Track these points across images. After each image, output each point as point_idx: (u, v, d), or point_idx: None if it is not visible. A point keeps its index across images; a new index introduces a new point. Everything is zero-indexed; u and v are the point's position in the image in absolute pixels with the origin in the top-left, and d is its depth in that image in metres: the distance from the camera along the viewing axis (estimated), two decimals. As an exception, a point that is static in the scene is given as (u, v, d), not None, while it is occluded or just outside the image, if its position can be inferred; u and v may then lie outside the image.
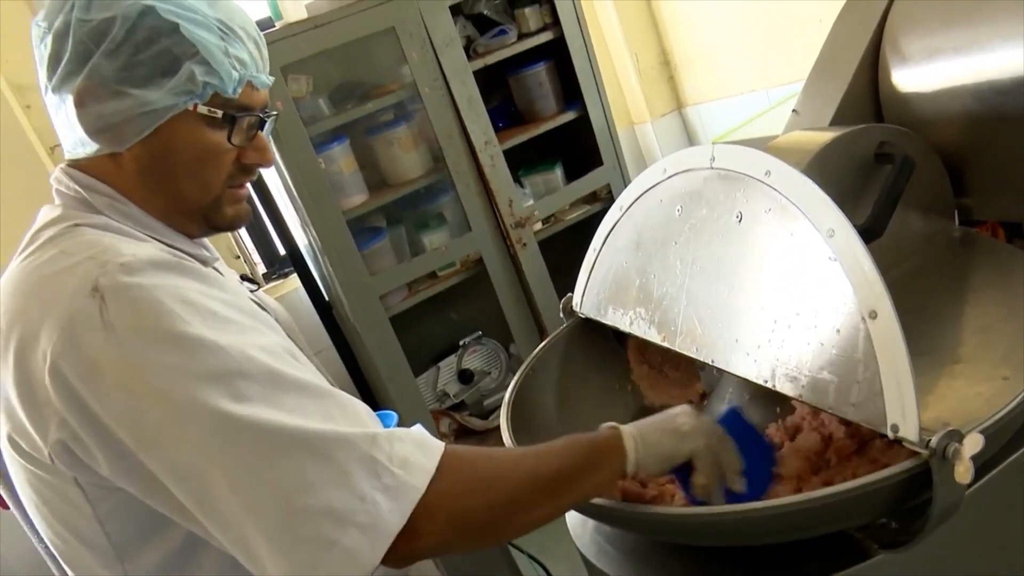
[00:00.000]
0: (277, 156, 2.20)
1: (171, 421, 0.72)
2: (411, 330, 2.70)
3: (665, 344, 1.03)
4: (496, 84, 2.79)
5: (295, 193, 2.37)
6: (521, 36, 2.67)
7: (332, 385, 0.92)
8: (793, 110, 1.31)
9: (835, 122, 1.23)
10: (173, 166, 0.86)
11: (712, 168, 0.98)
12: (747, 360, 0.90)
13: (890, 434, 0.74)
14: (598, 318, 1.18)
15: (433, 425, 2.71)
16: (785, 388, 0.85)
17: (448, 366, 2.92)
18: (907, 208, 1.07)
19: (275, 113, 0.92)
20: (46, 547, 1.58)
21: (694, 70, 3.22)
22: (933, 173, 1.13)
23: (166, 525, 0.81)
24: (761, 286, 0.90)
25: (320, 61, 2.35)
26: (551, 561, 1.98)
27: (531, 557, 1.93)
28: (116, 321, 0.73)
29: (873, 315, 0.77)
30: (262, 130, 0.91)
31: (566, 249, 2.74)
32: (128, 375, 0.73)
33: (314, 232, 2.40)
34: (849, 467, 0.87)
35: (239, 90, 0.85)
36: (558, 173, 2.85)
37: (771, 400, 1.01)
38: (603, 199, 2.87)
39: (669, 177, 1.06)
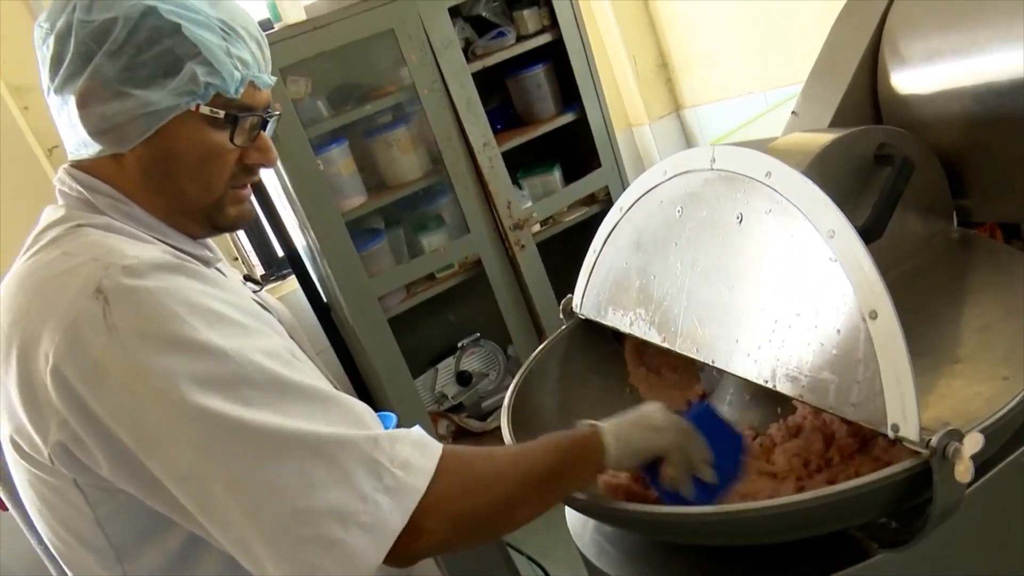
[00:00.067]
0: (276, 158, 2.20)
1: (174, 424, 0.72)
2: (409, 332, 2.70)
3: (665, 345, 1.03)
4: (495, 86, 2.80)
5: (293, 195, 2.37)
6: (519, 38, 2.67)
7: (333, 385, 0.93)
8: (792, 112, 1.31)
9: (834, 124, 1.24)
10: (175, 167, 0.86)
11: (712, 169, 0.98)
12: (748, 361, 0.90)
13: (890, 434, 0.75)
14: (598, 319, 1.19)
15: (431, 427, 2.72)
16: (786, 388, 0.86)
17: (446, 368, 2.92)
18: (906, 209, 1.08)
19: (277, 113, 0.92)
20: (45, 548, 1.58)
21: (692, 72, 3.23)
22: (932, 175, 1.13)
23: (166, 527, 0.81)
24: (761, 287, 0.90)
25: (319, 63, 2.35)
26: (551, 563, 1.99)
27: (530, 559, 1.93)
28: (119, 323, 0.73)
29: (873, 315, 0.77)
30: (264, 130, 0.91)
31: (564, 251, 2.75)
32: (131, 377, 0.73)
33: (313, 234, 2.40)
34: (852, 465, 0.88)
35: (241, 90, 0.85)
36: (556, 175, 2.86)
37: (772, 400, 1.02)
38: (601, 201, 2.87)
39: (669, 178, 1.06)
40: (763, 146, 1.06)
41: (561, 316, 1.28)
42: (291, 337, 0.94)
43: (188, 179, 0.86)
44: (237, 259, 2.76)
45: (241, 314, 0.80)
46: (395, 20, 2.38)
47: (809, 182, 0.85)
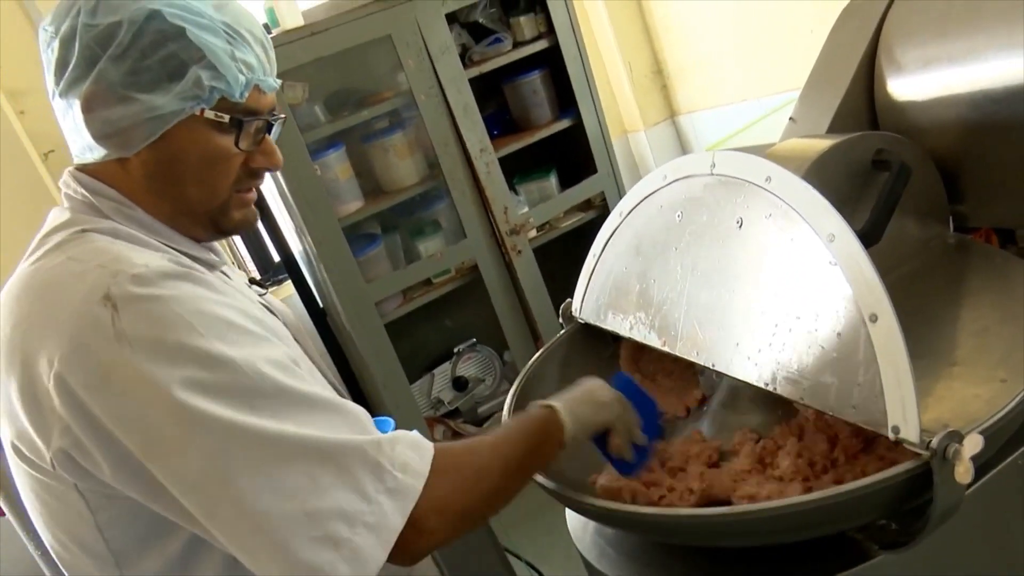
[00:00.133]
0: (273, 163, 2.20)
1: (183, 431, 0.73)
2: (406, 337, 2.70)
3: (666, 349, 1.04)
4: (491, 92, 2.81)
5: (290, 200, 2.37)
6: (516, 44, 2.69)
7: (335, 383, 0.94)
8: (790, 118, 1.32)
9: (832, 130, 1.25)
10: (180, 171, 0.86)
11: (712, 174, 0.99)
12: (748, 364, 0.91)
13: (891, 436, 0.75)
14: (598, 323, 1.19)
15: (427, 432, 2.71)
16: (786, 391, 0.86)
17: (442, 373, 2.93)
18: (903, 214, 1.09)
19: (282, 116, 0.92)
20: (42, 553, 1.58)
21: (687, 79, 3.25)
22: (928, 180, 1.15)
23: (166, 533, 0.81)
24: (762, 290, 0.91)
25: (316, 68, 2.36)
26: (549, 567, 1.98)
27: (529, 565, 1.93)
28: (128, 331, 0.73)
29: (874, 318, 0.78)
30: (269, 134, 0.91)
31: (561, 256, 2.76)
32: (139, 385, 0.73)
33: (309, 239, 2.40)
34: (858, 465, 0.88)
35: (246, 94, 0.85)
36: (553, 181, 2.87)
37: (773, 403, 1.02)
38: (597, 206, 2.88)
39: (669, 183, 1.07)
40: (761, 152, 1.07)
41: (560, 320, 1.28)
42: (296, 339, 0.95)
43: (193, 183, 0.86)
44: (233, 264, 2.75)
45: (248, 321, 0.81)
46: (392, 26, 2.39)
47: (809, 187, 0.86)
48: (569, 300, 1.26)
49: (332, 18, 2.34)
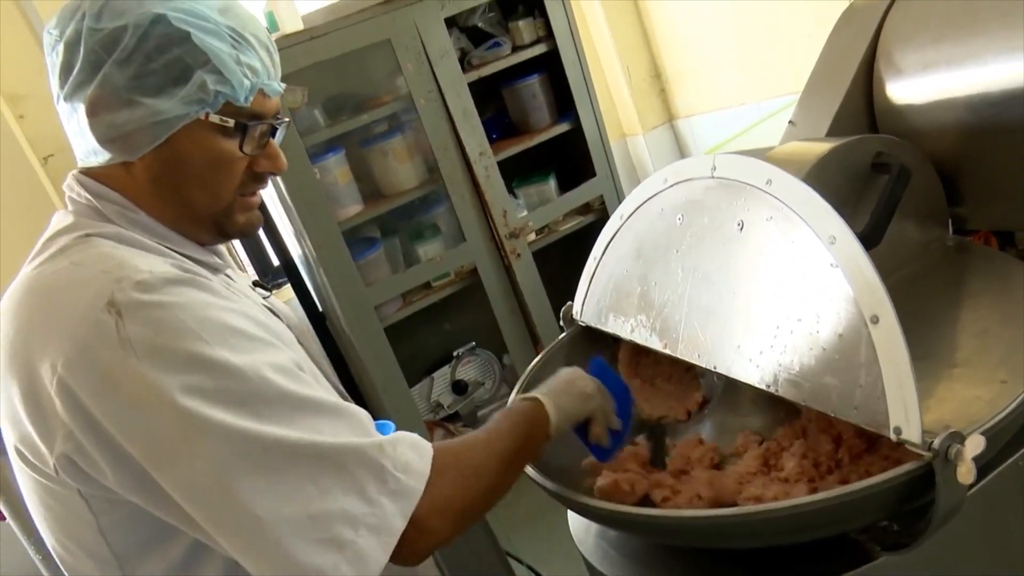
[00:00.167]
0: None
1: (187, 438, 0.73)
2: (405, 341, 2.70)
3: (667, 351, 1.04)
4: (490, 96, 2.81)
5: (290, 204, 2.37)
6: (515, 49, 2.69)
7: (337, 385, 0.94)
8: (790, 121, 1.33)
9: (831, 133, 1.25)
10: (185, 175, 0.86)
11: (713, 177, 1.00)
12: (750, 366, 0.91)
13: (893, 437, 0.76)
14: (599, 326, 1.19)
15: (427, 436, 2.70)
16: (788, 393, 0.87)
17: (442, 377, 2.93)
18: (903, 217, 1.09)
19: (286, 120, 0.93)
20: (43, 557, 1.58)
21: (685, 83, 3.25)
22: (928, 183, 1.15)
23: (169, 537, 0.82)
24: (763, 292, 0.91)
25: (315, 72, 2.36)
26: (549, 571, 1.98)
27: (530, 568, 1.93)
28: (133, 337, 0.74)
29: (875, 320, 0.78)
30: (274, 137, 0.91)
31: (560, 260, 2.76)
32: (143, 392, 0.73)
33: (309, 243, 2.40)
34: (862, 465, 0.88)
35: (251, 98, 0.86)
36: (551, 184, 2.87)
37: (774, 405, 1.03)
38: (596, 210, 2.89)
39: (670, 186, 1.07)
40: (761, 155, 1.07)
41: (561, 323, 1.28)
42: (299, 342, 0.95)
43: (197, 187, 0.87)
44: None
45: (252, 325, 0.81)
46: (392, 30, 2.40)
47: (810, 189, 0.86)
48: (570, 303, 1.26)
49: (331, 22, 2.34)
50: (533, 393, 0.98)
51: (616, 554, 1.03)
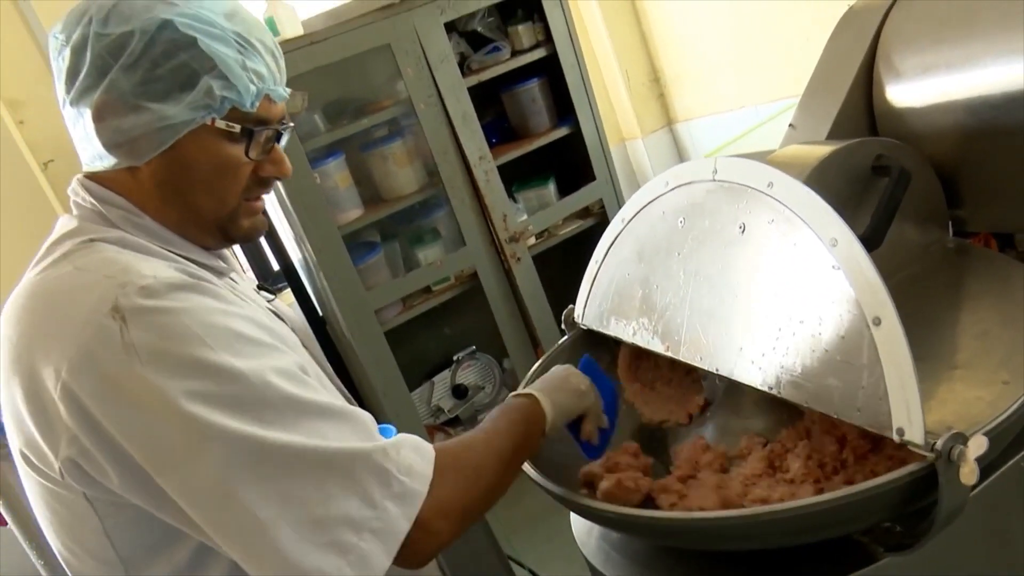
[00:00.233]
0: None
1: (190, 444, 0.73)
2: (405, 345, 2.70)
3: (669, 354, 1.04)
4: (490, 100, 2.82)
5: (290, 208, 2.38)
6: (514, 53, 2.70)
7: (341, 388, 0.94)
8: (790, 124, 1.33)
9: (831, 136, 1.26)
10: (190, 180, 0.86)
11: (714, 180, 1.00)
12: (752, 368, 0.92)
13: (896, 438, 0.76)
14: (600, 329, 1.19)
15: (428, 440, 2.71)
16: (791, 395, 0.87)
17: (442, 381, 2.93)
18: (903, 219, 1.10)
19: (291, 125, 0.93)
20: (45, 563, 1.57)
21: (684, 87, 3.26)
22: (928, 185, 1.15)
23: (174, 540, 0.82)
24: (765, 295, 0.91)
25: (316, 77, 2.37)
26: (552, 572, 1.99)
27: (531, 572, 1.93)
28: (137, 343, 0.74)
29: (877, 322, 0.79)
30: (279, 142, 0.92)
31: (560, 263, 2.77)
32: (147, 397, 0.73)
33: (309, 247, 2.40)
34: (868, 465, 0.88)
35: (257, 104, 0.86)
36: (551, 188, 2.88)
37: (777, 407, 1.03)
38: (596, 214, 2.89)
39: (671, 189, 1.07)
40: (762, 158, 1.08)
41: (563, 326, 1.29)
42: (304, 344, 0.95)
43: (202, 192, 0.87)
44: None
45: (256, 330, 0.81)
46: (392, 35, 2.41)
47: (811, 192, 0.87)
48: (571, 306, 1.26)
49: (331, 27, 2.35)
50: (528, 389, 0.99)
51: (618, 556, 1.04)
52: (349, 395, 1.00)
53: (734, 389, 1.11)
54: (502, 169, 2.64)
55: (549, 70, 2.75)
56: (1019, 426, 0.81)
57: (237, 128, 0.85)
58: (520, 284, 2.69)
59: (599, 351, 1.25)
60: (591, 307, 1.22)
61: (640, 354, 1.21)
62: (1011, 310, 0.99)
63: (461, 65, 2.58)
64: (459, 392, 2.93)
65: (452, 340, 2.98)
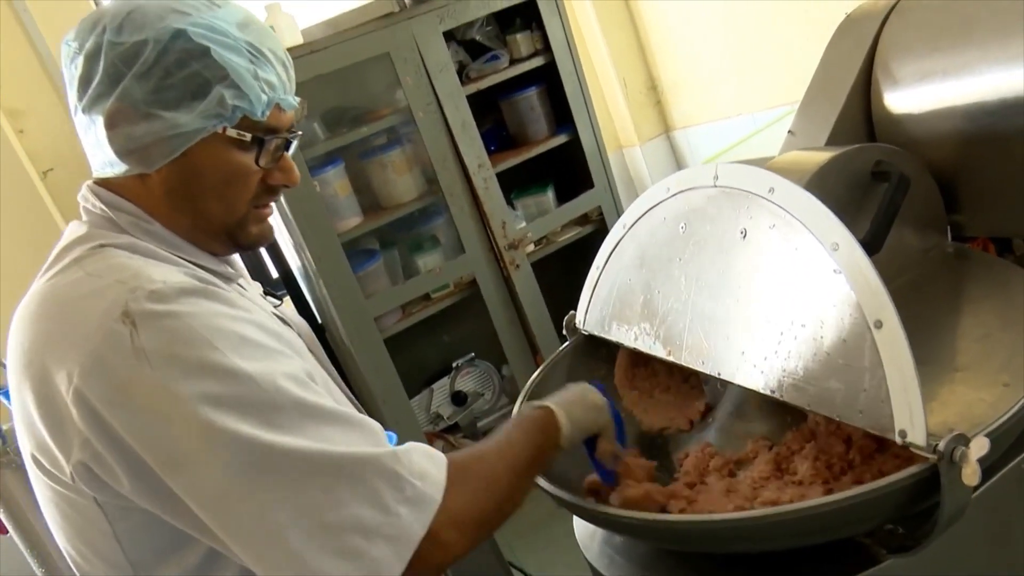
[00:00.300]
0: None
1: (202, 447, 0.74)
2: (405, 352, 2.70)
3: (671, 359, 1.05)
4: (488, 108, 2.84)
5: (289, 216, 2.38)
6: (513, 61, 2.72)
7: (348, 394, 0.94)
8: (789, 131, 1.34)
9: (830, 142, 1.27)
10: (200, 187, 0.87)
11: (716, 186, 1.01)
12: (754, 372, 0.92)
13: (898, 439, 0.77)
14: (602, 335, 1.20)
15: (427, 447, 2.71)
16: (793, 398, 0.88)
17: (441, 388, 2.93)
18: (902, 224, 1.11)
19: (299, 133, 0.94)
20: (46, 571, 1.57)
21: (681, 95, 3.28)
22: (926, 191, 1.17)
23: (184, 544, 0.82)
24: (766, 299, 0.92)
25: (315, 85, 2.38)
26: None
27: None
28: (147, 347, 0.74)
29: (879, 324, 0.79)
30: (288, 151, 0.93)
31: (558, 270, 2.78)
32: (158, 401, 0.74)
33: (308, 255, 2.41)
34: (875, 464, 0.89)
35: (267, 113, 0.87)
36: (550, 195, 2.89)
37: (779, 410, 1.04)
38: (594, 221, 2.91)
39: (673, 195, 1.08)
40: (762, 164, 1.09)
41: (564, 332, 1.29)
42: (311, 350, 0.95)
43: (212, 199, 0.88)
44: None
45: (265, 335, 0.82)
46: (391, 44, 2.42)
47: (812, 197, 0.87)
48: (573, 312, 1.27)
49: (331, 36, 2.36)
50: (544, 402, 0.97)
51: (622, 559, 1.04)
52: (357, 402, 1.00)
53: (736, 393, 1.11)
54: (501, 177, 2.65)
55: (547, 78, 2.77)
56: (1020, 428, 0.82)
57: (248, 137, 0.86)
58: (519, 291, 2.70)
59: (602, 355, 1.25)
60: (592, 313, 1.22)
61: (637, 362, 1.22)
62: (1011, 313, 1.00)
63: (460, 73, 2.60)
64: (458, 399, 2.93)
65: (451, 347, 2.98)
